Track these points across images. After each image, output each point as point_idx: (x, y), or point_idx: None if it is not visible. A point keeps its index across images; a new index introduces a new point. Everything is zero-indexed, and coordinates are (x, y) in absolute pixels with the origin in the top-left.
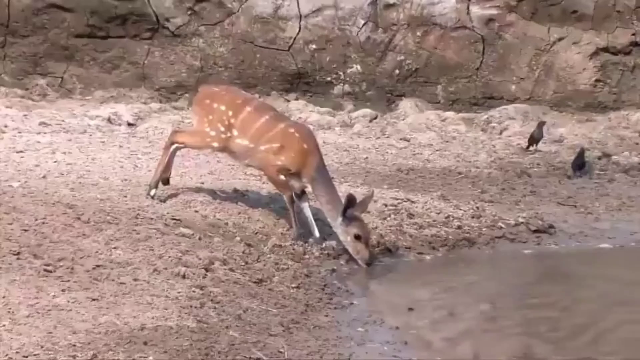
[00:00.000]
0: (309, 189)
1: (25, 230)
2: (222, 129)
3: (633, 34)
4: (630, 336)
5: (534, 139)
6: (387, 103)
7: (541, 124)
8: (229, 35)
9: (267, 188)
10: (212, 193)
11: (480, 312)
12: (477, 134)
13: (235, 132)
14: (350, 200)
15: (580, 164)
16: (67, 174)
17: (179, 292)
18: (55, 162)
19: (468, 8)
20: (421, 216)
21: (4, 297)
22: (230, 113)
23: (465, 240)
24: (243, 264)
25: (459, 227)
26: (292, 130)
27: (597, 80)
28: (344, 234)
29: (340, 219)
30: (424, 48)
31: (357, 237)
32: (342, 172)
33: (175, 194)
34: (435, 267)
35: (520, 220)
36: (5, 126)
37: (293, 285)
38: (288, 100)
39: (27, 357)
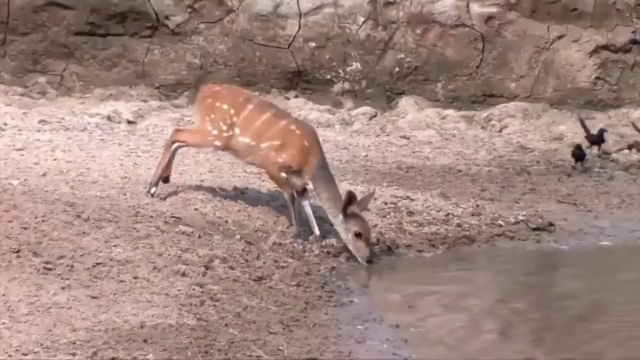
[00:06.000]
0: (310, 186)
1: (25, 228)
2: (224, 127)
3: (633, 32)
4: (631, 336)
5: (593, 142)
6: (387, 101)
7: (602, 130)
8: (229, 33)
9: (267, 186)
10: (212, 191)
11: (480, 310)
12: (477, 132)
13: (237, 131)
14: (350, 198)
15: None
16: (66, 171)
17: (178, 290)
18: (55, 160)
19: (468, 6)
20: (421, 214)
21: (3, 294)
22: (232, 111)
23: (464, 238)
24: (243, 261)
25: (459, 225)
26: (293, 127)
27: (597, 78)
28: (345, 232)
29: (340, 217)
30: (423, 46)
31: (358, 235)
32: (342, 169)
33: (175, 192)
34: (435, 265)
35: (520, 218)
36: (5, 124)
37: (293, 283)
38: (288, 98)
39: (26, 355)
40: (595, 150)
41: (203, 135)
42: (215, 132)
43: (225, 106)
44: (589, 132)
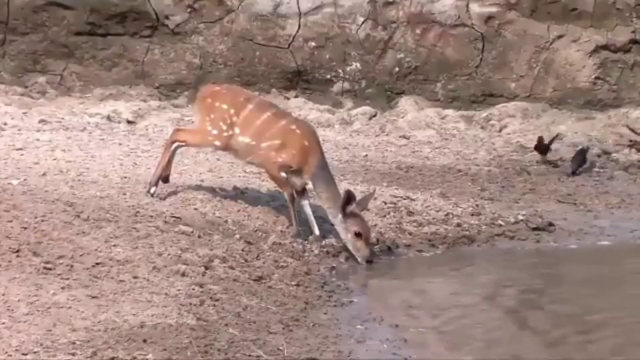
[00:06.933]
0: (309, 186)
1: (25, 228)
2: (224, 127)
3: (633, 32)
4: (631, 335)
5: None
6: (386, 101)
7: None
8: (229, 33)
9: (266, 186)
10: (212, 191)
11: (479, 310)
12: (477, 132)
13: (237, 130)
14: (349, 197)
15: (579, 162)
16: (66, 171)
17: (178, 290)
18: (54, 159)
19: (467, 6)
20: (420, 214)
21: (3, 294)
22: (232, 111)
23: (464, 237)
24: (243, 261)
25: (459, 225)
26: (293, 127)
27: (596, 78)
28: (344, 232)
29: (340, 216)
30: (423, 46)
31: (357, 235)
32: (341, 169)
33: (175, 192)
34: (435, 265)
35: (520, 217)
36: (5, 124)
37: (293, 283)
38: (287, 98)
39: (26, 354)
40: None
41: (203, 135)
42: (215, 132)
43: (225, 106)
44: (543, 143)
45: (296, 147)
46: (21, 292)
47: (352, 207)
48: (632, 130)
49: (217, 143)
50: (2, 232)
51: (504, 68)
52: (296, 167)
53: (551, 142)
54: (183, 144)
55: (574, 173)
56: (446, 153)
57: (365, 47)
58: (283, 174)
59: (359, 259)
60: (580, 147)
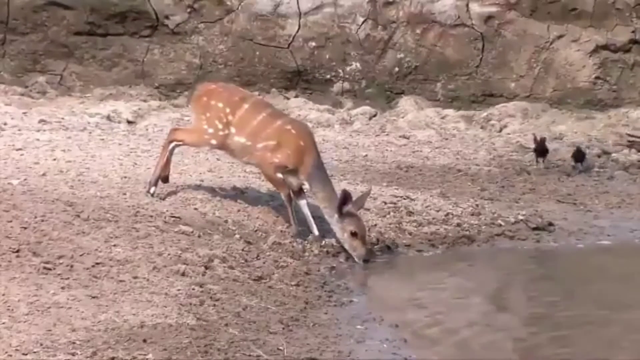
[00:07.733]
0: (305, 186)
1: (25, 228)
2: (220, 126)
3: (632, 32)
4: (631, 335)
5: (538, 153)
6: (386, 101)
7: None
8: (229, 33)
9: (266, 186)
10: (212, 191)
11: (479, 309)
12: (477, 132)
13: (233, 130)
14: (345, 197)
15: (579, 158)
16: (66, 171)
17: (178, 290)
18: (54, 159)
19: (467, 5)
20: (420, 214)
21: (3, 294)
22: (227, 110)
23: (464, 237)
24: (242, 261)
25: (458, 225)
26: (288, 127)
27: (596, 78)
28: (341, 231)
29: (336, 216)
30: (423, 45)
31: (353, 234)
32: (341, 169)
33: (175, 192)
34: (435, 265)
35: (520, 217)
36: (5, 124)
37: (292, 282)
38: (287, 98)
39: (26, 354)
40: (540, 161)
41: (199, 134)
42: (211, 130)
43: (220, 104)
44: (538, 143)
45: (291, 147)
46: (21, 292)
47: (348, 207)
48: (632, 135)
49: (214, 142)
50: (2, 232)
51: (504, 68)
52: (292, 167)
53: (542, 143)
54: (180, 143)
55: (580, 171)
56: (446, 153)
57: (365, 47)
58: (279, 175)
59: (356, 258)
60: (578, 146)
